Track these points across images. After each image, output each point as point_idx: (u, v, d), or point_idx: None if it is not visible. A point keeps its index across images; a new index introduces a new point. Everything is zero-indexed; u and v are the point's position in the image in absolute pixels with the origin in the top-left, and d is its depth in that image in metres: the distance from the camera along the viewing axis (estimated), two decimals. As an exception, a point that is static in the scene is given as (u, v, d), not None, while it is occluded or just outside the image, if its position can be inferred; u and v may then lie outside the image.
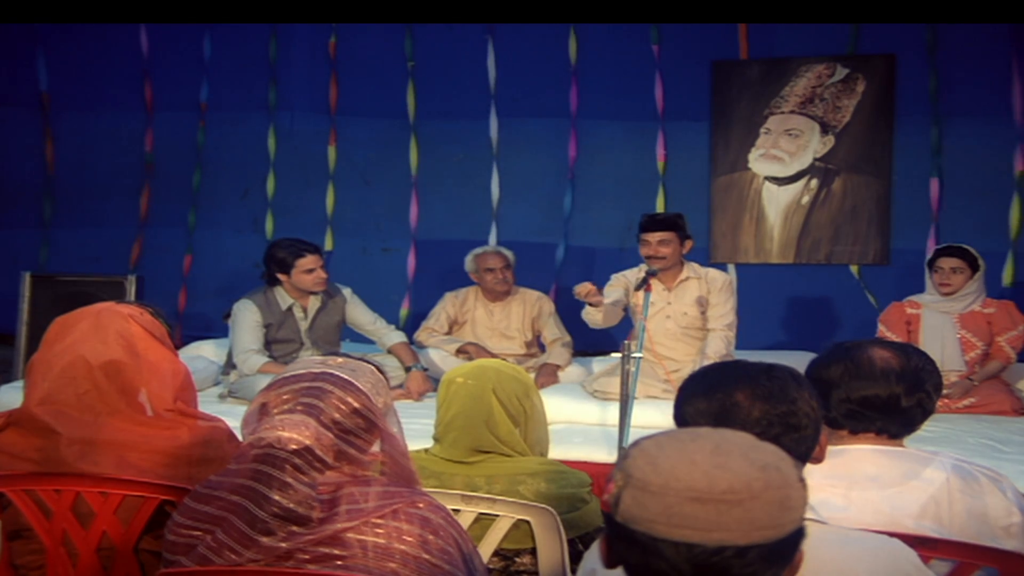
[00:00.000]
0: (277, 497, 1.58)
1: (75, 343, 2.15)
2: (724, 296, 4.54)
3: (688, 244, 4.58)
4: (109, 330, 2.17)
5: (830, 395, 1.98)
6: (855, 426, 1.99)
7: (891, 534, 1.58)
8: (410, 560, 1.59)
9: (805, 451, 1.58)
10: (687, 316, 4.57)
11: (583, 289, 4.23)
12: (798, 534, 1.15)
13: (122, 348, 2.16)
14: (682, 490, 1.11)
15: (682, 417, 1.63)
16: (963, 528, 1.86)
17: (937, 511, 1.88)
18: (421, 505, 1.66)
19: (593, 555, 1.82)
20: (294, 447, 1.61)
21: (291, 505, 1.57)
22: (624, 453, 1.20)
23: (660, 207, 5.89)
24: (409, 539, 1.61)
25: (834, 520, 1.78)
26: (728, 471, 1.12)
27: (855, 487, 1.92)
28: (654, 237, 4.49)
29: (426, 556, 1.61)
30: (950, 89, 5.54)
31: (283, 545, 1.58)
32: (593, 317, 4.45)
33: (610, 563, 1.20)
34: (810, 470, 1.91)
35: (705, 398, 1.60)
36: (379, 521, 1.61)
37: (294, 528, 1.58)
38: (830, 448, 1.95)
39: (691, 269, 4.63)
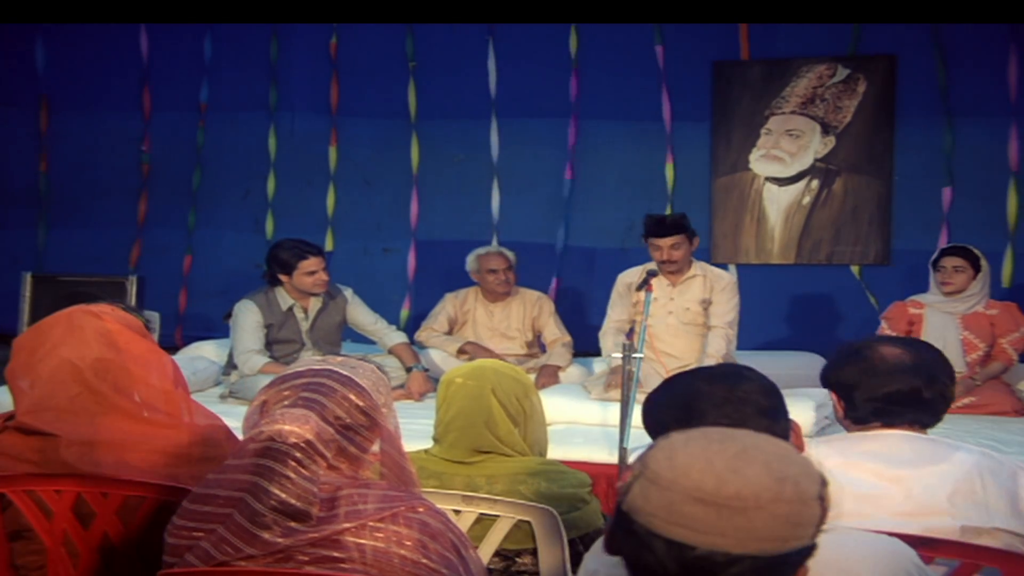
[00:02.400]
0: (276, 491, 1.55)
1: (55, 348, 2.12)
2: (727, 295, 4.56)
3: (695, 241, 4.60)
4: (86, 330, 2.15)
5: (852, 396, 2.04)
6: (888, 420, 2.03)
7: (892, 534, 1.58)
8: (409, 565, 1.58)
9: (783, 430, 1.64)
10: (689, 312, 4.58)
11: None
12: (801, 553, 1.11)
13: (104, 346, 2.13)
14: (688, 488, 1.09)
15: (653, 424, 1.69)
16: (1002, 508, 1.89)
17: (972, 489, 1.90)
18: (421, 509, 1.64)
19: (594, 555, 1.82)
20: (295, 440, 1.58)
21: (290, 499, 1.55)
22: (651, 443, 1.19)
23: (661, 208, 5.88)
24: (408, 544, 1.59)
25: (866, 500, 1.83)
26: (741, 477, 1.09)
27: (889, 467, 1.95)
28: (666, 243, 4.48)
29: (425, 561, 1.59)
30: (951, 89, 5.54)
31: (280, 541, 1.56)
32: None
33: (609, 549, 1.19)
34: (843, 448, 1.99)
35: (667, 393, 1.70)
36: (378, 525, 1.59)
37: (292, 524, 1.56)
38: (864, 433, 2.03)
39: (698, 267, 4.65)
